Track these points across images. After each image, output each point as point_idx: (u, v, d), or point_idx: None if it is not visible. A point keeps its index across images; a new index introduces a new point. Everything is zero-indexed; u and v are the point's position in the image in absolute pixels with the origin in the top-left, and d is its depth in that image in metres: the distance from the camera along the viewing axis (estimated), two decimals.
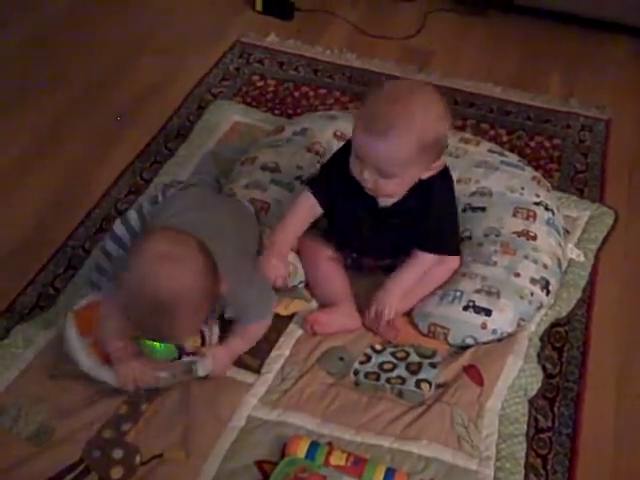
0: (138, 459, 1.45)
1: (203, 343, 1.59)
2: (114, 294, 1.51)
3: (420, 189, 1.61)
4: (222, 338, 1.62)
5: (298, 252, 1.81)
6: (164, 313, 1.38)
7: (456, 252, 1.77)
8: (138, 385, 1.53)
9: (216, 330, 1.62)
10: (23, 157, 2.16)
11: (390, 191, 1.59)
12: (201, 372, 1.55)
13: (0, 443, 1.45)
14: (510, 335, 1.69)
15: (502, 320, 1.68)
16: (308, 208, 1.72)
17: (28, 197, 2.03)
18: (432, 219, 1.66)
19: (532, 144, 2.30)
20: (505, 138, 2.31)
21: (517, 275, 1.73)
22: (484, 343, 1.68)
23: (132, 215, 1.71)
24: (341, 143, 1.97)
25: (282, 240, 1.71)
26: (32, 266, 1.83)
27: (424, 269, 1.72)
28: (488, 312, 1.67)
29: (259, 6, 2.82)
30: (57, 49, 2.59)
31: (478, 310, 1.68)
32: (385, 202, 1.64)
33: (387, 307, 1.68)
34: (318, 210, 1.72)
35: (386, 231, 1.70)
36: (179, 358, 1.54)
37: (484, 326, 1.67)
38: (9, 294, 1.76)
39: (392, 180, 1.55)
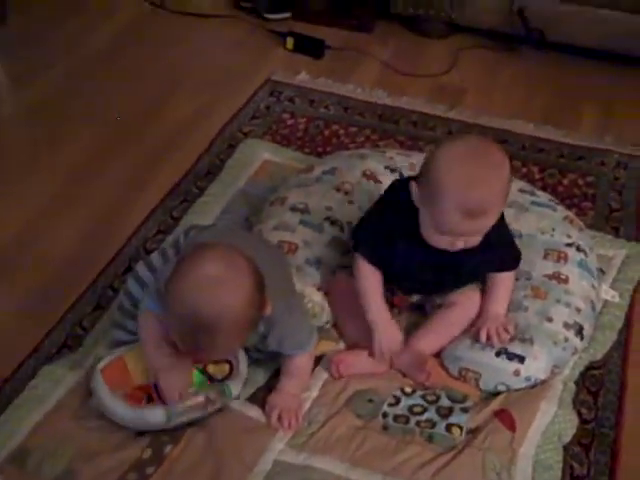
0: None
1: (231, 371, 1.58)
2: (151, 308, 1.53)
3: None
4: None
5: (326, 291, 1.79)
6: (206, 333, 1.37)
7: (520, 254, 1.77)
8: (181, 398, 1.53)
9: (243, 357, 1.61)
10: (55, 195, 2.17)
11: (479, 240, 1.57)
12: (234, 391, 1.56)
13: None
14: (543, 382, 1.65)
15: (535, 367, 1.64)
16: (377, 280, 1.70)
17: (58, 235, 2.04)
18: (496, 239, 1.62)
19: (565, 182, 2.27)
20: (538, 176, 2.29)
21: (549, 320, 1.69)
22: (516, 390, 1.64)
23: (154, 257, 1.71)
24: (370, 182, 1.98)
25: (383, 318, 1.70)
26: (60, 306, 1.83)
27: (511, 285, 1.74)
28: (521, 359, 1.64)
29: (290, 45, 2.84)
30: (92, 87, 2.62)
31: (511, 357, 1.64)
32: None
33: (503, 334, 1.66)
34: (379, 275, 1.70)
35: (449, 269, 1.67)
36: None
37: (517, 373, 1.63)
38: (37, 334, 1.76)
39: (480, 234, 1.56)
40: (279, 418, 1.57)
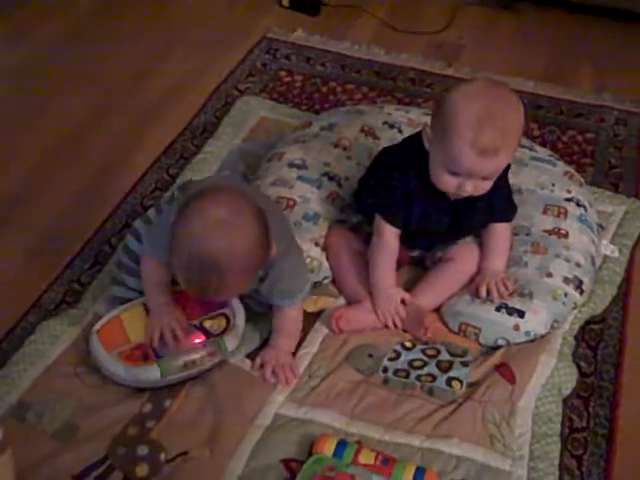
0: (163, 457, 1.43)
1: (227, 325, 1.58)
2: (152, 253, 1.55)
3: None
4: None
5: (324, 247, 1.78)
6: (216, 273, 1.37)
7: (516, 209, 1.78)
8: (168, 336, 1.54)
9: (241, 312, 1.61)
10: (49, 154, 2.15)
11: (488, 187, 1.57)
12: (230, 346, 1.56)
13: (26, 439, 1.43)
14: (543, 336, 1.65)
15: (535, 322, 1.64)
16: (394, 237, 1.69)
17: (54, 193, 2.02)
18: (500, 189, 1.65)
19: (564, 138, 2.25)
20: (537, 132, 2.27)
21: (549, 275, 1.69)
22: (516, 344, 1.64)
23: (151, 213, 1.69)
24: (369, 138, 1.96)
25: (389, 283, 1.70)
26: (59, 262, 1.82)
27: (509, 236, 1.75)
28: (521, 314, 1.64)
29: (286, 2, 2.80)
30: (86, 46, 2.59)
31: (511, 311, 1.64)
32: (457, 195, 1.61)
33: (502, 287, 1.67)
34: (398, 234, 1.69)
35: (458, 221, 1.68)
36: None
37: (517, 328, 1.63)
38: (36, 290, 1.75)
39: (493, 178, 1.55)
40: (273, 373, 1.57)
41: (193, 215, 1.38)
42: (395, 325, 1.68)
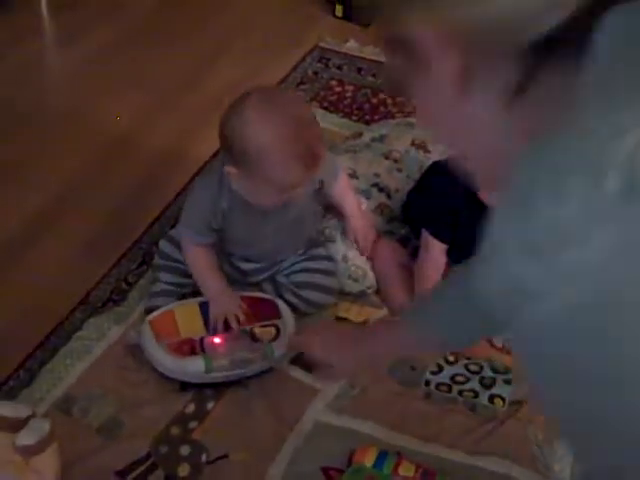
0: (204, 458, 1.45)
1: (277, 335, 1.59)
2: (199, 240, 1.60)
3: None
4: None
5: (370, 256, 1.79)
6: (310, 126, 1.45)
7: None
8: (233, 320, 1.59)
9: (291, 321, 1.62)
10: (102, 153, 2.18)
11: None
12: (277, 352, 1.56)
13: (72, 433, 1.45)
14: None
15: None
16: (442, 252, 1.70)
17: (105, 192, 2.04)
18: None
19: None
20: None
21: None
22: None
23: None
24: (420, 151, 1.96)
25: None
26: (107, 260, 1.84)
27: None
28: None
29: (339, 12, 2.81)
30: (137, 51, 2.61)
31: None
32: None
33: None
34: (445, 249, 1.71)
35: None
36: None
37: None
38: (84, 287, 1.78)
39: None
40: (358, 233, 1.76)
41: (246, 116, 1.43)
42: None
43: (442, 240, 1.67)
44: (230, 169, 1.49)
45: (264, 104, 1.43)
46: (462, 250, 1.70)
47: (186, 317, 1.61)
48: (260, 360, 1.57)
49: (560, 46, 0.54)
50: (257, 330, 1.60)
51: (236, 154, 1.45)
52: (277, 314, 1.63)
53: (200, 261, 1.63)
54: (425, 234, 1.69)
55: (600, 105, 0.50)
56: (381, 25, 0.64)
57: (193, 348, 1.56)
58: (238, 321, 1.59)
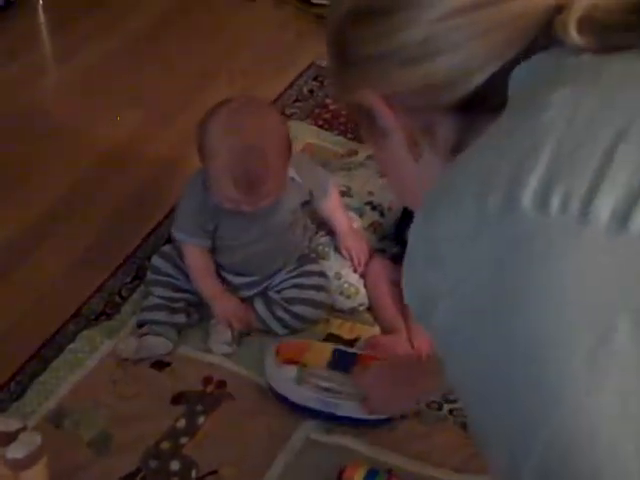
0: (194, 473, 1.44)
1: None
2: (193, 242, 1.66)
3: None
4: None
5: (362, 274, 1.80)
6: (257, 153, 1.48)
7: None
8: (241, 322, 1.66)
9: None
10: (96, 168, 2.19)
11: None
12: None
13: (62, 446, 1.45)
14: None
15: None
16: None
17: (101, 208, 2.05)
18: None
19: None
20: None
21: None
22: None
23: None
24: None
25: None
26: (101, 274, 1.85)
27: None
28: None
29: None
30: (134, 66, 2.63)
31: None
32: None
33: None
34: None
35: None
36: None
37: None
38: (77, 300, 1.78)
39: None
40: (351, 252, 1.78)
41: (215, 116, 1.52)
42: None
43: None
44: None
45: (234, 115, 1.53)
46: None
47: (316, 351, 1.59)
48: (353, 397, 1.52)
49: (486, 101, 0.65)
50: None
51: (198, 147, 1.57)
52: None
53: (199, 264, 1.67)
54: None
55: (489, 148, 0.59)
56: (336, 93, 0.78)
57: (298, 363, 1.56)
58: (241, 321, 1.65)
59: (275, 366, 1.56)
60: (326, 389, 1.53)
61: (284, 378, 1.54)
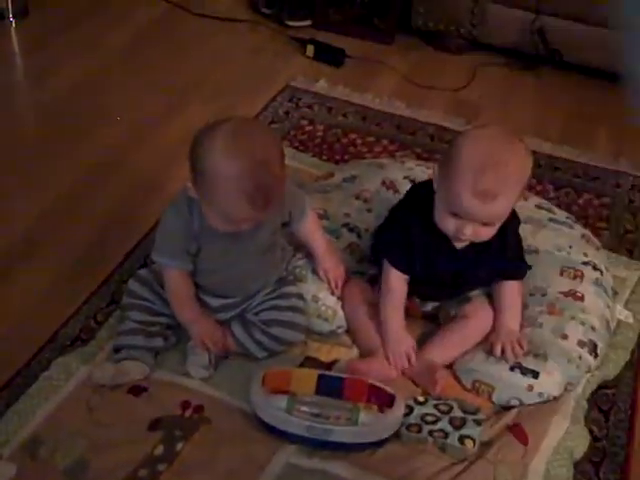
0: None
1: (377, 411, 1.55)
2: (174, 265, 1.64)
3: None
4: None
5: (340, 296, 1.79)
6: (263, 167, 1.45)
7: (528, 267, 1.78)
8: (218, 345, 1.66)
9: (399, 413, 1.57)
10: (69, 192, 2.17)
11: (489, 235, 1.60)
12: (362, 419, 1.51)
13: (37, 475, 1.43)
14: (556, 398, 1.65)
15: (549, 383, 1.64)
16: (400, 281, 1.71)
17: (74, 231, 2.04)
18: (510, 246, 1.68)
19: (580, 201, 2.28)
20: (553, 194, 2.29)
21: (564, 337, 1.70)
22: (529, 405, 1.64)
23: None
24: (389, 191, 1.98)
25: (398, 327, 1.72)
26: (76, 298, 1.83)
27: (521, 295, 1.75)
28: (535, 374, 1.64)
29: (310, 52, 2.85)
30: (110, 86, 2.63)
31: (525, 372, 1.64)
32: (462, 244, 1.64)
33: (518, 348, 1.67)
34: (407, 279, 1.72)
35: (463, 271, 1.70)
36: None
37: (530, 389, 1.63)
38: (52, 325, 1.76)
39: (494, 226, 1.58)
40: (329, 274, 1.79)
41: (215, 140, 1.46)
42: (403, 370, 1.70)
43: (399, 268, 1.69)
44: (189, 184, 1.54)
45: (234, 136, 1.47)
46: (423, 284, 1.73)
47: (302, 378, 1.57)
48: (344, 422, 1.51)
49: None
50: (361, 405, 1.54)
51: (195, 171, 1.51)
52: (390, 404, 1.56)
53: (180, 288, 1.67)
54: (385, 264, 1.71)
55: None
56: None
57: (287, 393, 1.55)
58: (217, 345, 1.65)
59: (263, 396, 1.55)
60: (317, 415, 1.52)
61: (274, 408, 1.53)
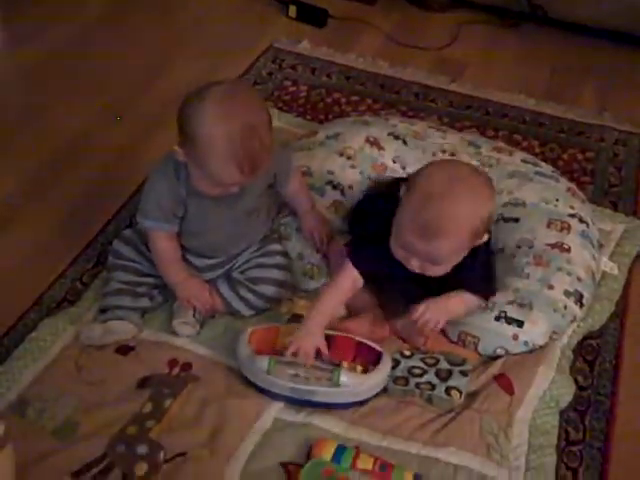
0: (162, 456, 1.43)
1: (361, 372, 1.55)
2: (160, 228, 1.63)
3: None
4: None
5: (325, 254, 1.80)
6: (254, 132, 1.45)
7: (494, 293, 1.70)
8: (205, 305, 1.67)
9: (386, 369, 1.57)
10: (54, 156, 2.16)
11: (438, 273, 1.53)
12: (343, 379, 1.51)
13: (26, 435, 1.43)
14: (541, 347, 1.66)
15: (534, 332, 1.65)
16: (351, 286, 1.62)
17: (59, 192, 2.03)
18: (479, 267, 1.61)
19: (565, 156, 2.28)
20: (538, 150, 2.29)
21: (550, 287, 1.70)
22: (515, 354, 1.65)
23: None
24: (373, 148, 1.98)
25: (317, 322, 1.56)
26: (62, 261, 1.83)
27: (470, 305, 1.66)
28: (520, 323, 1.65)
29: (292, 13, 2.82)
30: (90, 52, 2.60)
31: (510, 321, 1.65)
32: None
33: (433, 322, 1.59)
34: (359, 283, 1.62)
35: (425, 286, 1.62)
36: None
37: (515, 337, 1.64)
38: (38, 288, 1.76)
39: (441, 266, 1.52)
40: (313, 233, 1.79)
41: (204, 103, 1.45)
42: (391, 328, 1.69)
43: (357, 266, 1.60)
44: (177, 147, 1.52)
45: (226, 100, 1.46)
46: (394, 306, 1.69)
47: (289, 335, 1.55)
48: (325, 382, 1.51)
49: None
50: (345, 364, 1.55)
51: (185, 135, 1.49)
52: (376, 362, 1.56)
53: (167, 251, 1.66)
54: (347, 260, 1.63)
55: None
56: None
57: (274, 350, 1.55)
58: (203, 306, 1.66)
59: (248, 357, 1.55)
60: (297, 375, 1.52)
61: (256, 369, 1.54)
